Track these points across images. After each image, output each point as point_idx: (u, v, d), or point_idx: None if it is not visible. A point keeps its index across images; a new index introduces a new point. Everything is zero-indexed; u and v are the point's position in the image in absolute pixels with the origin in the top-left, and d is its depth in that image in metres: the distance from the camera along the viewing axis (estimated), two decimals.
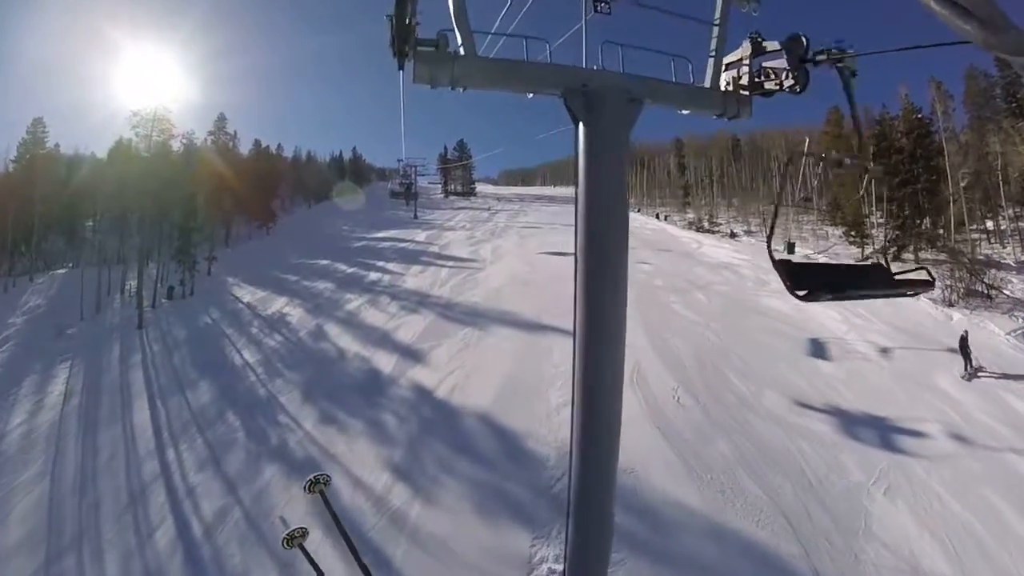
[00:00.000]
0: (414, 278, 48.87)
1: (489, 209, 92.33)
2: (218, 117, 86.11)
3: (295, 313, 42.63)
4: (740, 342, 31.67)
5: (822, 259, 49.65)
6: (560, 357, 28.74)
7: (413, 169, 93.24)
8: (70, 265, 69.54)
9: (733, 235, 72.04)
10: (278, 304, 45.71)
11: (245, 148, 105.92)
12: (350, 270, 54.80)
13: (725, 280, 44.78)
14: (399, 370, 30.06)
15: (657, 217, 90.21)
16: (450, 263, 53.64)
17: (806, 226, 71.14)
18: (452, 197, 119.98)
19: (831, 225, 68.79)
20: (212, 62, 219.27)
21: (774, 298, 37.46)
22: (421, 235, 72.79)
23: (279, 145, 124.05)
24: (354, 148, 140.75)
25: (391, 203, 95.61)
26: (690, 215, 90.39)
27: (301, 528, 8.17)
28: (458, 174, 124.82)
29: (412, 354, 31.92)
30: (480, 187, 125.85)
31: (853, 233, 57.06)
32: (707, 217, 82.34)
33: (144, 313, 48.82)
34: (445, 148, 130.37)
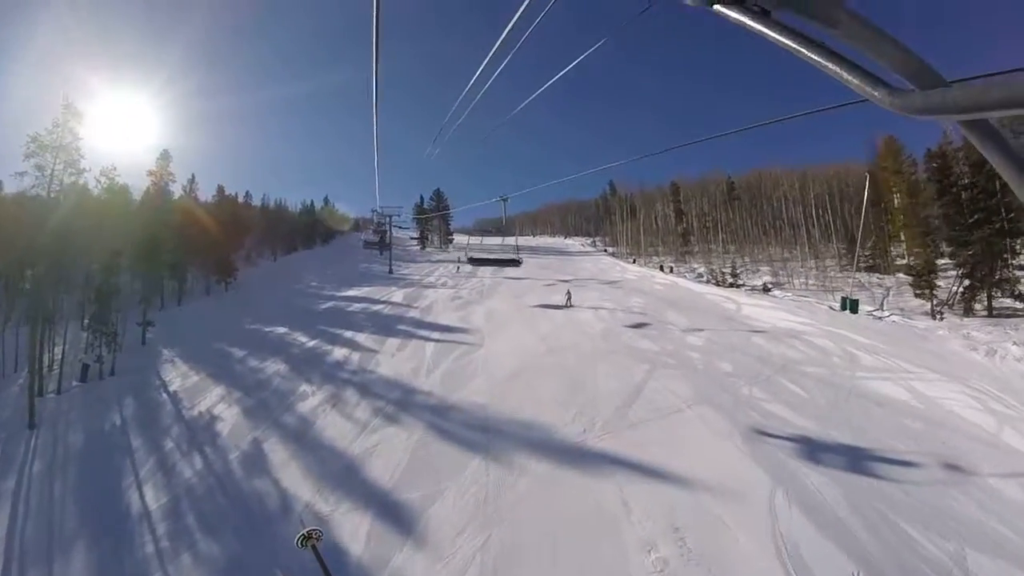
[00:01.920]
0: (391, 359, 35.81)
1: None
2: (160, 154, 68.98)
3: (229, 416, 29.29)
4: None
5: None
6: (651, 526, 16.83)
7: (388, 219, 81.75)
8: None
9: (766, 289, 60.33)
10: (211, 397, 32.39)
11: (208, 194, 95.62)
12: (310, 343, 41.69)
13: (805, 356, 32.52)
14: (377, 552, 16.92)
15: (661, 269, 78.36)
16: (436, 334, 40.86)
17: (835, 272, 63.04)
18: (429, 248, 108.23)
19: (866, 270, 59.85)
20: (185, 105, 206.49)
21: (879, 380, 28.18)
22: (398, 294, 59.93)
23: (247, 193, 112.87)
24: (326, 197, 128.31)
25: (364, 255, 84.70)
26: (697, 266, 79.10)
27: (317, 530, 6.92)
28: (436, 224, 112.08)
29: (395, 512, 18.76)
30: (457, 238, 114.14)
31: (923, 282, 46.97)
32: (728, 269, 69.85)
33: (45, 401, 36.38)
34: (421, 198, 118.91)
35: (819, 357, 32.10)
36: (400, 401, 27.97)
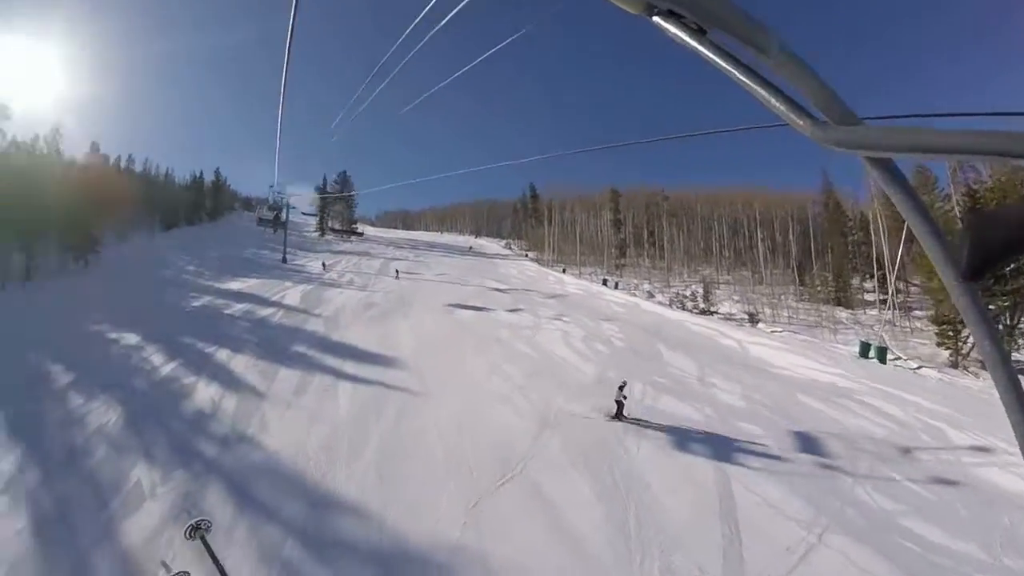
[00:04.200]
0: (285, 413, 22.67)
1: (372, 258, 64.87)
2: None
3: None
4: None
5: None
6: None
7: (286, 199, 68.79)
8: None
9: (753, 321, 50.59)
10: None
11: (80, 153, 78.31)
12: (165, 369, 28.06)
13: (885, 431, 23.13)
14: None
15: (605, 283, 66.48)
16: (350, 366, 28.27)
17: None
18: (329, 236, 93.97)
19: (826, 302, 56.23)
20: (81, 59, 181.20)
21: (988, 467, 20.24)
22: (293, 292, 46.57)
23: (129, 156, 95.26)
24: (217, 169, 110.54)
25: (254, 239, 74.07)
26: (639, 282, 69.03)
27: (205, 520, 7.60)
28: (338, 210, 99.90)
29: None
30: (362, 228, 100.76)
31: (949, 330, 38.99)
32: (691, 292, 59.72)
33: None
34: (324, 179, 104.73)
35: (901, 431, 23.06)
36: (308, 530, 15.19)
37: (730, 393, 25.47)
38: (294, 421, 21.76)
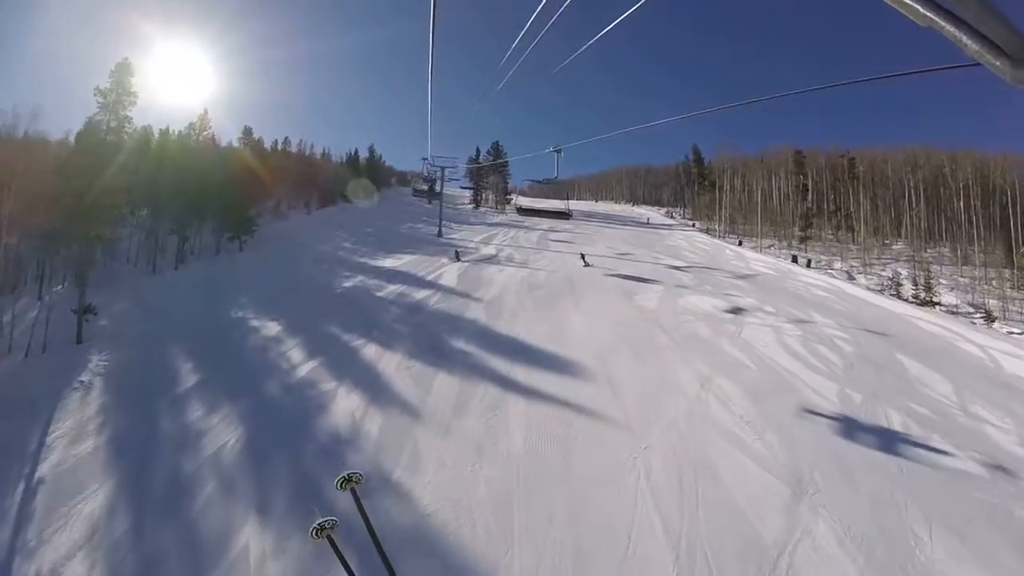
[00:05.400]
0: (440, 444, 17.16)
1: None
2: (116, 66, 42.85)
3: None
4: None
5: None
6: None
7: (441, 170, 65.52)
8: None
9: (989, 318, 41.03)
10: (76, 526, 14.30)
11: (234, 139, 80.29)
12: (304, 368, 23.70)
13: None
14: None
15: (795, 261, 57.10)
16: (519, 372, 22.60)
17: None
18: (483, 209, 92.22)
19: None
20: (238, 56, 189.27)
21: None
22: (450, 271, 41.92)
23: (285, 139, 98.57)
24: (371, 146, 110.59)
25: (409, 214, 72.48)
26: (835, 260, 59.16)
27: (331, 519, 5.07)
28: (491, 181, 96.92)
29: None
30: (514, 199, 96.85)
31: None
32: (896, 273, 50.30)
33: None
34: (477, 150, 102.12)
35: None
36: None
37: (1004, 432, 17.72)
38: (454, 457, 16.25)
